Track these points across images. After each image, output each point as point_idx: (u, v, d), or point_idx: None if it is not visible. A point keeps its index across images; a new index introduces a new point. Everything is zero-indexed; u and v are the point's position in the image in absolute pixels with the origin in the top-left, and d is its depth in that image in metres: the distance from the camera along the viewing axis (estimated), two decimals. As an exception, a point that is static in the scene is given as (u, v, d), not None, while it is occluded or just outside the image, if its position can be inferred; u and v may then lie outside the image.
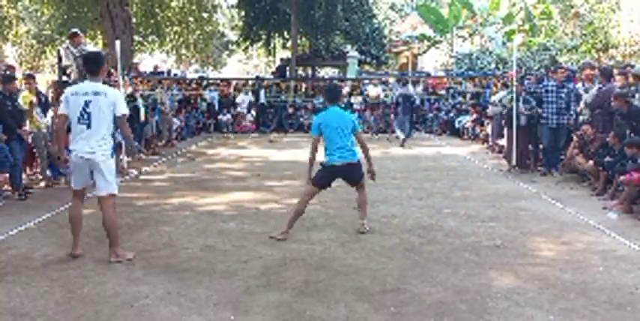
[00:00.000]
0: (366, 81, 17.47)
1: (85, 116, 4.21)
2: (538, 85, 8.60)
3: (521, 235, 5.11)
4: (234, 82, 17.94)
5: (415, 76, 18.50)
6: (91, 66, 4.41)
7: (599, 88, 7.47)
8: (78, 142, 4.27)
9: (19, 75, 9.33)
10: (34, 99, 7.50)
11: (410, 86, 14.90)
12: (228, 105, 16.59)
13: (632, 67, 7.80)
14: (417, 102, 15.63)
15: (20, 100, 7.23)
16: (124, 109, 4.33)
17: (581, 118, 7.98)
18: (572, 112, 8.05)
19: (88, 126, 4.22)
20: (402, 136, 12.78)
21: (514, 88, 8.63)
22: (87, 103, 4.20)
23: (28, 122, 7.25)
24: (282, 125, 16.26)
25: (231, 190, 7.32)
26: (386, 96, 15.61)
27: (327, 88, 5.60)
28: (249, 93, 16.82)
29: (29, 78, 7.83)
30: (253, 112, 16.73)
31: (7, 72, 7.90)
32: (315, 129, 5.06)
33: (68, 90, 4.43)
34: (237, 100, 16.39)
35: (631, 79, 7.31)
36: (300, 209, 5.05)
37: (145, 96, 11.06)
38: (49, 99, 8.57)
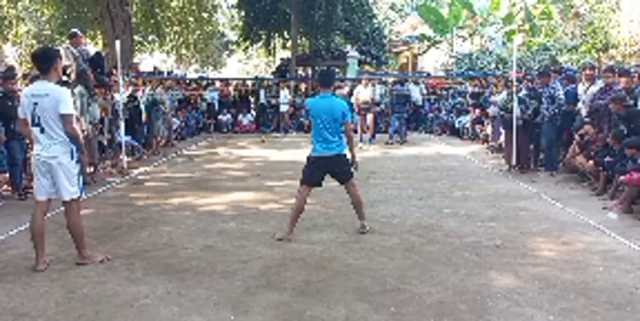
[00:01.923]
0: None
1: (36, 119, 4.03)
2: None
3: (521, 235, 5.10)
4: (234, 82, 17.95)
5: (415, 76, 18.50)
6: (39, 64, 4.14)
7: (602, 88, 7.46)
8: (36, 146, 4.11)
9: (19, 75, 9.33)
10: None
11: (410, 85, 14.89)
12: (229, 105, 16.60)
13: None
14: (418, 101, 15.63)
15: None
16: (66, 109, 4.01)
17: (577, 117, 7.98)
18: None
19: (41, 130, 4.04)
20: (391, 136, 13.11)
21: (514, 88, 8.63)
22: (35, 105, 4.02)
23: None
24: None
25: (231, 190, 7.32)
26: (382, 96, 14.61)
27: (321, 71, 5.38)
28: (285, 88, 16.47)
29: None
30: (253, 112, 16.74)
31: (8, 71, 7.90)
32: (306, 112, 4.98)
33: (23, 92, 4.26)
34: (282, 98, 15.95)
35: (636, 79, 7.32)
36: (300, 206, 4.98)
37: (151, 95, 11.04)
38: None
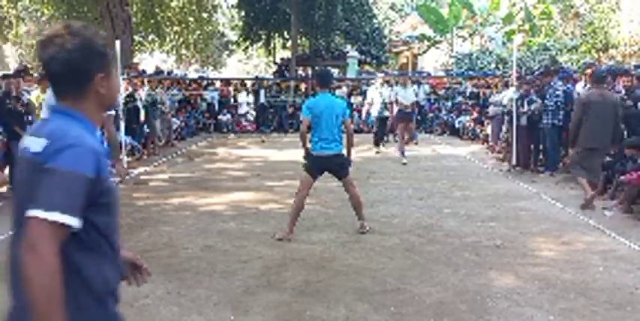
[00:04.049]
0: (383, 81, 15.11)
1: None
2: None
3: (521, 235, 5.11)
4: (234, 82, 17.99)
5: (415, 76, 18.52)
6: None
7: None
8: None
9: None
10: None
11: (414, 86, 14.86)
12: (229, 105, 16.63)
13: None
14: (421, 101, 15.63)
15: (32, 99, 7.23)
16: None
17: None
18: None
19: None
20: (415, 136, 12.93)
21: (513, 88, 8.63)
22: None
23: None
24: (282, 125, 16.26)
25: (231, 190, 7.32)
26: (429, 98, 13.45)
27: (319, 72, 5.46)
28: (249, 93, 16.86)
29: (44, 79, 7.80)
30: (253, 112, 16.75)
31: (18, 71, 7.92)
32: (306, 111, 4.97)
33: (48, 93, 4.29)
34: (240, 101, 16.45)
35: (636, 81, 7.33)
36: (300, 205, 5.00)
37: (150, 95, 11.01)
38: None
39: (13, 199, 1.49)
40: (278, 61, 23.81)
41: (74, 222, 1.29)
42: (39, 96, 7.47)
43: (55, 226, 1.26)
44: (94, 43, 1.44)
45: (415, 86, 10.74)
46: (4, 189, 6.93)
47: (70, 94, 1.45)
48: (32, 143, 1.39)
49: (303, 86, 18.30)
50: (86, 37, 1.43)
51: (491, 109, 11.03)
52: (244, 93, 16.74)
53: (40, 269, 1.23)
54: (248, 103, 16.53)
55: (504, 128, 9.92)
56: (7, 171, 6.92)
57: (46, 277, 1.23)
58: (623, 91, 7.14)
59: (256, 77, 19.46)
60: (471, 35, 23.87)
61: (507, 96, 9.57)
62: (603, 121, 6.07)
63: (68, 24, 1.44)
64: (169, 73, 18.96)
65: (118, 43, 9.05)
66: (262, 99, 16.56)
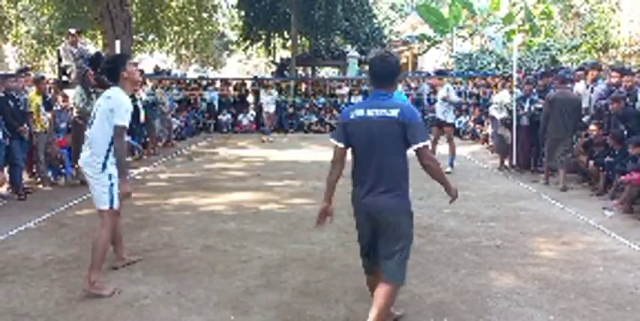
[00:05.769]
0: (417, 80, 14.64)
1: (92, 118, 3.80)
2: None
3: (521, 235, 5.11)
4: (233, 82, 17.94)
5: (415, 77, 18.52)
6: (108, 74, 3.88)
7: (608, 88, 7.46)
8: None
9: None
10: (40, 100, 7.47)
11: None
12: (228, 105, 16.60)
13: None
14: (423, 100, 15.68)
15: (29, 99, 7.24)
16: (120, 120, 3.64)
17: (585, 118, 7.98)
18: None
19: (90, 132, 3.79)
20: None
21: (514, 89, 8.61)
22: (98, 106, 3.78)
23: (34, 123, 7.26)
24: (282, 125, 16.25)
25: (231, 190, 7.31)
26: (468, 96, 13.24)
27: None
28: (274, 92, 16.16)
29: (41, 79, 7.78)
30: (253, 112, 16.73)
31: (20, 71, 7.92)
32: None
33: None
34: (263, 99, 15.31)
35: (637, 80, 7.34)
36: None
37: (151, 95, 10.99)
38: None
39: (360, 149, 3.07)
40: (278, 61, 23.82)
41: (429, 143, 2.83)
42: (33, 97, 7.46)
43: (428, 147, 2.82)
44: (399, 59, 2.99)
45: (449, 85, 9.74)
46: (3, 189, 6.94)
47: (388, 84, 2.93)
48: (379, 111, 2.85)
49: (303, 86, 18.29)
50: (396, 57, 2.95)
51: (491, 109, 11.01)
52: (272, 90, 15.53)
53: (434, 164, 2.85)
54: (267, 103, 15.74)
55: (490, 130, 9.94)
56: (6, 170, 6.92)
57: (437, 165, 2.87)
58: (625, 91, 7.13)
59: (255, 77, 19.45)
60: (471, 35, 23.87)
61: (503, 98, 9.53)
62: (565, 116, 7.13)
63: (388, 50, 3.05)
64: (168, 72, 18.96)
65: (118, 43, 9.04)
66: (262, 99, 16.50)
